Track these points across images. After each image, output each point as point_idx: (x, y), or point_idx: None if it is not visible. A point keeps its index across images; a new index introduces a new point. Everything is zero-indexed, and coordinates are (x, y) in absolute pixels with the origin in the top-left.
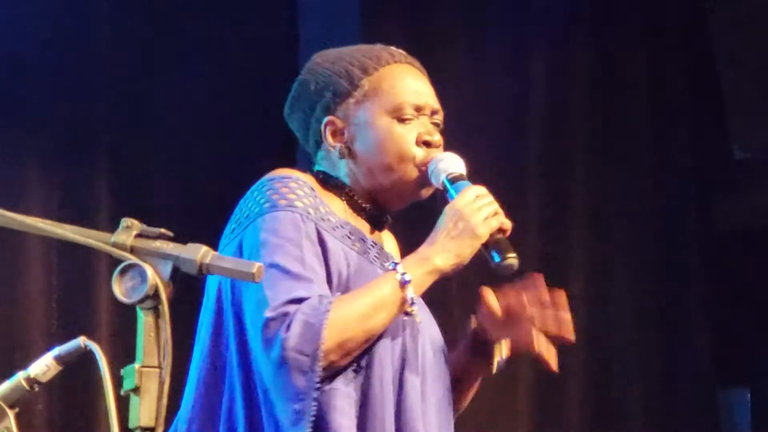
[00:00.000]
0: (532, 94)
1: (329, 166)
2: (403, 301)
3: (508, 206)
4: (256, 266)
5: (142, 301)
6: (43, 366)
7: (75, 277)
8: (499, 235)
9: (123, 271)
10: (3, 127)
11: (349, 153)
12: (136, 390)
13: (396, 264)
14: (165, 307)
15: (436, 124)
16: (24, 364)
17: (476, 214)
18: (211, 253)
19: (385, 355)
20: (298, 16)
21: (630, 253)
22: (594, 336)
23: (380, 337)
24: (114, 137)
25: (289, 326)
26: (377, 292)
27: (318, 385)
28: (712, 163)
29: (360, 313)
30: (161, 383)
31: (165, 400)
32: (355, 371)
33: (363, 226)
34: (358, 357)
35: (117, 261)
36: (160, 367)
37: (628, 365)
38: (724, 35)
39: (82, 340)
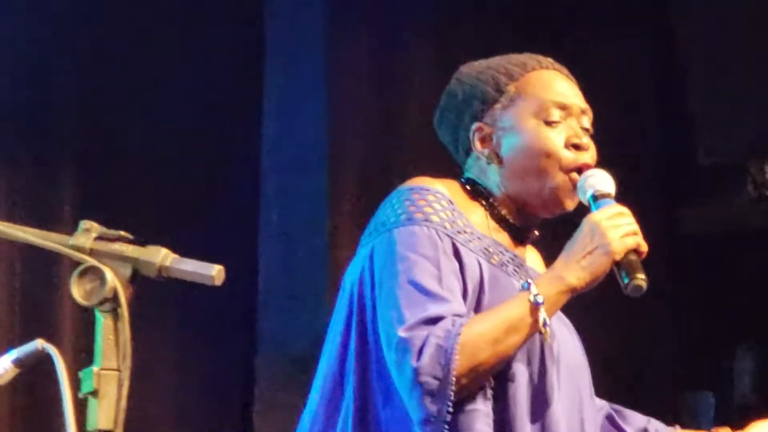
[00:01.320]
0: None
1: (478, 173)
2: (536, 323)
3: None
4: (215, 269)
5: (101, 303)
6: (0, 369)
7: (38, 280)
8: (633, 257)
9: (82, 274)
10: None
11: (497, 158)
12: (94, 393)
13: (529, 284)
14: (124, 310)
15: (585, 129)
16: None
17: (613, 230)
18: (171, 255)
19: (520, 374)
20: (264, 21)
21: None
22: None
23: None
24: (78, 141)
25: (421, 350)
26: (509, 313)
27: (450, 410)
28: (678, 169)
29: (491, 336)
30: (120, 386)
31: (124, 403)
32: (493, 390)
33: (504, 239)
34: (495, 377)
35: (77, 264)
36: (119, 369)
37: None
38: (690, 40)
39: (39, 343)
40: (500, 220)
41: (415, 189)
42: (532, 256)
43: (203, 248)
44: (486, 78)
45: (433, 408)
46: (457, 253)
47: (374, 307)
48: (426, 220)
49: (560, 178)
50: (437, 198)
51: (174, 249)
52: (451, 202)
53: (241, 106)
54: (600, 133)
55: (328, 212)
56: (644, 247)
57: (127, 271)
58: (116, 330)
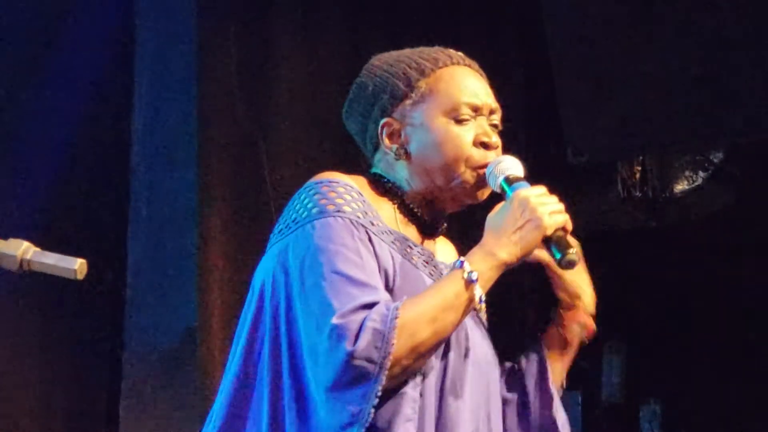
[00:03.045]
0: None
1: (386, 168)
2: (471, 300)
3: None
4: (77, 262)
5: None
6: None
7: None
8: (562, 233)
9: None
10: None
11: (405, 154)
12: None
13: (462, 262)
14: None
15: (494, 126)
16: None
17: (542, 206)
18: (33, 249)
19: (429, 368)
20: (135, 15)
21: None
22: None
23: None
24: None
25: (358, 334)
26: (444, 292)
27: (379, 393)
28: (546, 168)
29: (429, 315)
30: None
31: None
32: (423, 374)
33: (413, 233)
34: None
35: None
36: None
37: None
38: (558, 38)
39: None
40: (409, 215)
41: (323, 182)
42: (444, 249)
43: (71, 243)
44: (397, 72)
45: (364, 390)
46: (371, 242)
47: (289, 308)
48: (339, 211)
49: (468, 174)
50: (347, 189)
51: (42, 244)
52: (360, 194)
53: (110, 99)
54: None
55: (198, 208)
56: (570, 225)
57: None
58: None
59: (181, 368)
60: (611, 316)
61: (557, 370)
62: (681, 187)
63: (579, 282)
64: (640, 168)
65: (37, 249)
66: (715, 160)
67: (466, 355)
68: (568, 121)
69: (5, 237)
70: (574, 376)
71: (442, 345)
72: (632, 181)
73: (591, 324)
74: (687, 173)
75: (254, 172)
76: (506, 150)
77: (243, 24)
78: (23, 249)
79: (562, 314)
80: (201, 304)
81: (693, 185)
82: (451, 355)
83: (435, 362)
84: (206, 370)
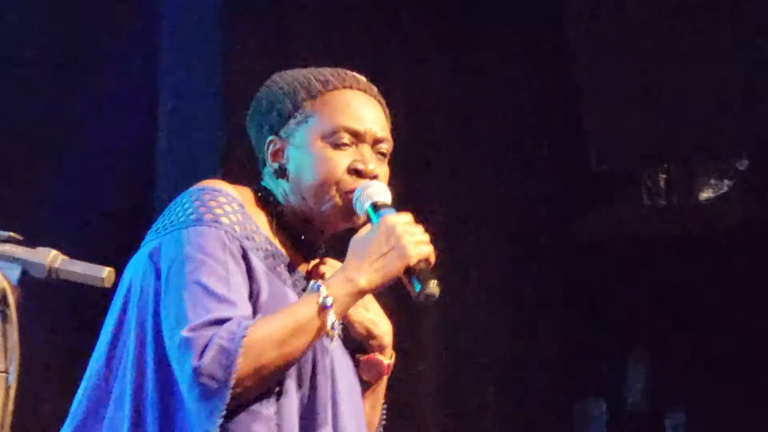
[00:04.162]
0: (394, 102)
1: (270, 183)
2: (324, 325)
3: None
4: (105, 271)
5: None
6: None
7: None
8: (424, 265)
9: None
10: None
11: (284, 173)
12: None
13: (319, 286)
14: (12, 312)
15: (382, 154)
16: None
17: (408, 235)
18: (61, 257)
19: (290, 389)
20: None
21: (486, 265)
22: (448, 344)
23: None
24: None
25: (203, 350)
26: (297, 315)
27: (224, 412)
28: (571, 176)
29: (278, 338)
30: (7, 388)
31: (11, 406)
32: (278, 394)
33: (289, 251)
34: (279, 380)
35: None
36: (6, 371)
37: (482, 374)
38: (581, 48)
39: None
40: (287, 232)
41: (206, 189)
42: (329, 269)
43: (90, 252)
44: (287, 91)
45: (209, 408)
46: (245, 257)
47: (156, 309)
48: (215, 221)
49: (338, 198)
50: (228, 200)
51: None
52: (242, 206)
53: (136, 107)
54: (495, 143)
55: None
56: (434, 258)
57: (16, 273)
58: (4, 332)
59: None
60: (635, 324)
61: (365, 412)
62: (706, 195)
63: (370, 317)
64: (664, 176)
65: (65, 257)
66: (741, 168)
67: (330, 376)
68: (592, 129)
69: (33, 245)
70: (598, 384)
71: (293, 366)
72: (656, 188)
73: (384, 362)
74: (712, 181)
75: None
76: (530, 157)
77: (265, 29)
78: (51, 257)
79: (357, 357)
80: None
81: (718, 193)
82: (312, 375)
83: (290, 382)
84: None
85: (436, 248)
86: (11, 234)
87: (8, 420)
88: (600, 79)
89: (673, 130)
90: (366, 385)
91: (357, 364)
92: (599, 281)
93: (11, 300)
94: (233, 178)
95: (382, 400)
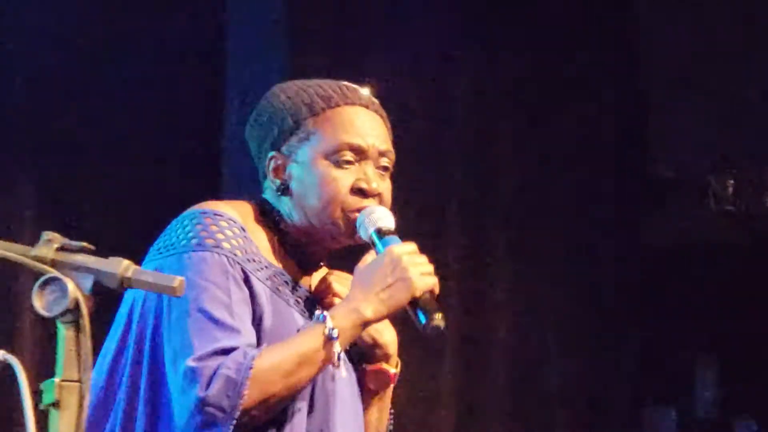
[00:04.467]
0: (454, 122)
1: (272, 198)
2: (329, 356)
3: (430, 235)
4: (177, 280)
5: (62, 314)
6: None
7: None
8: (429, 296)
9: (43, 285)
10: None
11: (287, 190)
12: (55, 404)
13: (325, 317)
14: (86, 321)
15: (384, 167)
16: None
17: (414, 266)
18: (133, 267)
19: (297, 412)
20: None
21: (555, 273)
22: (519, 356)
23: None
24: (37, 151)
25: (210, 380)
26: (303, 346)
27: None
28: (636, 182)
29: (284, 369)
30: (81, 397)
31: (85, 415)
32: (280, 423)
33: (291, 266)
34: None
35: (39, 275)
36: (80, 381)
37: (555, 383)
38: (652, 54)
39: (1, 354)
40: (289, 247)
41: (207, 213)
42: (338, 281)
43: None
44: (289, 106)
45: None
46: (247, 281)
47: (155, 333)
48: (217, 246)
49: (341, 218)
50: (229, 225)
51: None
52: (243, 229)
53: (199, 120)
54: (562, 149)
55: None
56: (438, 289)
57: (89, 282)
58: (77, 341)
59: None
60: (702, 331)
61: (372, 419)
62: None
63: (376, 326)
64: (732, 181)
65: (137, 267)
66: None
67: (336, 399)
68: (658, 134)
69: (105, 255)
70: (668, 392)
71: (298, 395)
72: (724, 194)
73: (390, 372)
74: None
75: None
76: (600, 163)
77: (331, 33)
78: (123, 267)
79: (363, 367)
80: None
81: None
82: (319, 398)
83: (297, 411)
84: None
85: (504, 267)
86: (83, 244)
87: (82, 429)
88: (668, 85)
89: (740, 136)
90: (373, 393)
91: (363, 373)
92: (669, 288)
93: (84, 310)
94: None
95: (389, 406)
